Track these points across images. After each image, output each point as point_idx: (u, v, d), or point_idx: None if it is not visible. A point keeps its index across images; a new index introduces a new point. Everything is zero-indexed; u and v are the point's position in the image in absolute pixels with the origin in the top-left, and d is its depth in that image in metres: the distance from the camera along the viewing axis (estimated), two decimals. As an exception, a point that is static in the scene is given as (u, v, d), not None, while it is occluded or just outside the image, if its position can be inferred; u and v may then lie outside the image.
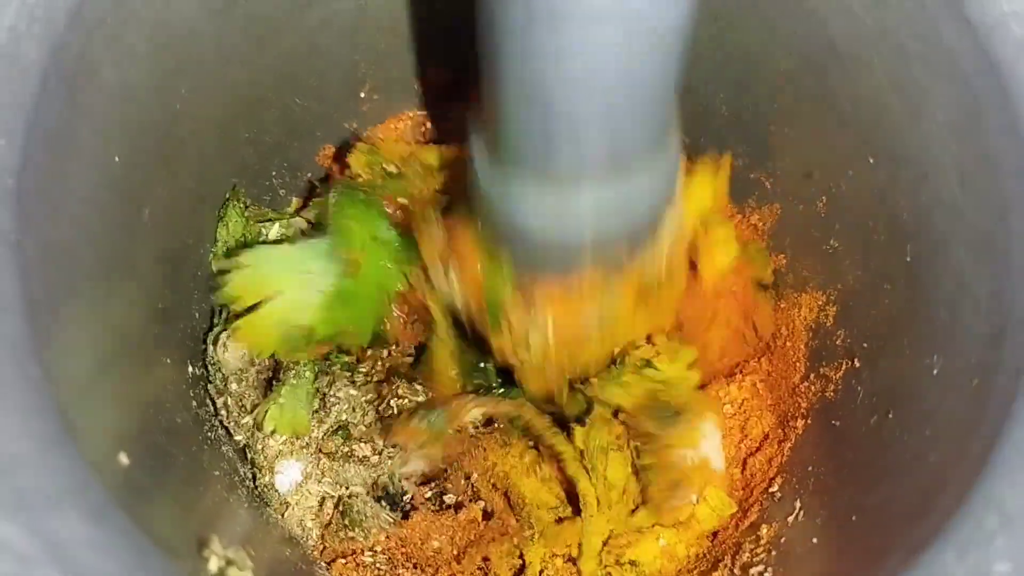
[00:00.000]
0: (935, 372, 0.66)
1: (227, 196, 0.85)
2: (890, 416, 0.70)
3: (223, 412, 0.81)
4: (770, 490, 0.81)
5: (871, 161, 0.76)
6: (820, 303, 0.83)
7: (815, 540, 0.70)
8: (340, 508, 0.80)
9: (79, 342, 0.60)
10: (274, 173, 0.91)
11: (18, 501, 0.47)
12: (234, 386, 0.82)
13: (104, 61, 0.65)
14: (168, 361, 0.74)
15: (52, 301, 0.58)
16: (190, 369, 0.79)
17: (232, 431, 0.81)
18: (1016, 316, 0.59)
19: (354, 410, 0.83)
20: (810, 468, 0.77)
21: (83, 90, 0.63)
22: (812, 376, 0.83)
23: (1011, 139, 0.62)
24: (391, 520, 0.81)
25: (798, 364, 0.86)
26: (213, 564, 0.57)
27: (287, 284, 0.81)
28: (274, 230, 0.87)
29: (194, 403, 0.77)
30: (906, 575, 0.51)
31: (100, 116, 0.66)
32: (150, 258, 0.73)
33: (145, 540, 0.51)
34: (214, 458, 0.77)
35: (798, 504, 0.75)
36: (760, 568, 0.73)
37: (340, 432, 0.82)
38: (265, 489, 0.80)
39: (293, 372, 0.81)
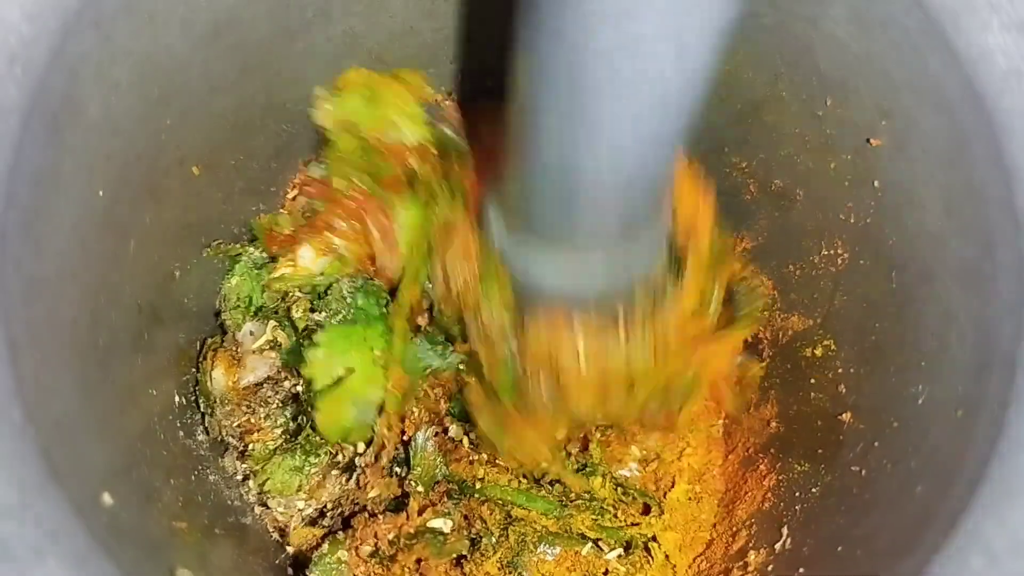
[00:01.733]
0: (920, 401, 0.66)
1: (233, 254, 0.86)
2: (876, 445, 0.70)
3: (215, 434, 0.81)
4: (760, 510, 0.81)
5: (856, 186, 0.76)
6: (807, 326, 0.83)
7: (801, 570, 0.70)
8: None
9: (62, 380, 0.60)
10: (260, 200, 0.91)
11: (2, 551, 0.47)
12: (224, 410, 0.83)
13: (90, 97, 0.65)
14: (153, 392, 0.74)
15: (34, 340, 0.58)
16: (176, 398, 0.78)
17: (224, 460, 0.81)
18: (1001, 350, 0.59)
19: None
20: (798, 494, 0.77)
21: (67, 128, 0.63)
22: (798, 400, 0.83)
23: (996, 170, 0.62)
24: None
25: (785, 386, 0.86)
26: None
27: (358, 362, 0.82)
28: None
29: (181, 433, 0.76)
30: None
31: (84, 152, 0.65)
32: (136, 288, 0.73)
33: (128, 584, 0.50)
34: (200, 487, 0.77)
35: (785, 531, 0.75)
36: (747, 597, 0.73)
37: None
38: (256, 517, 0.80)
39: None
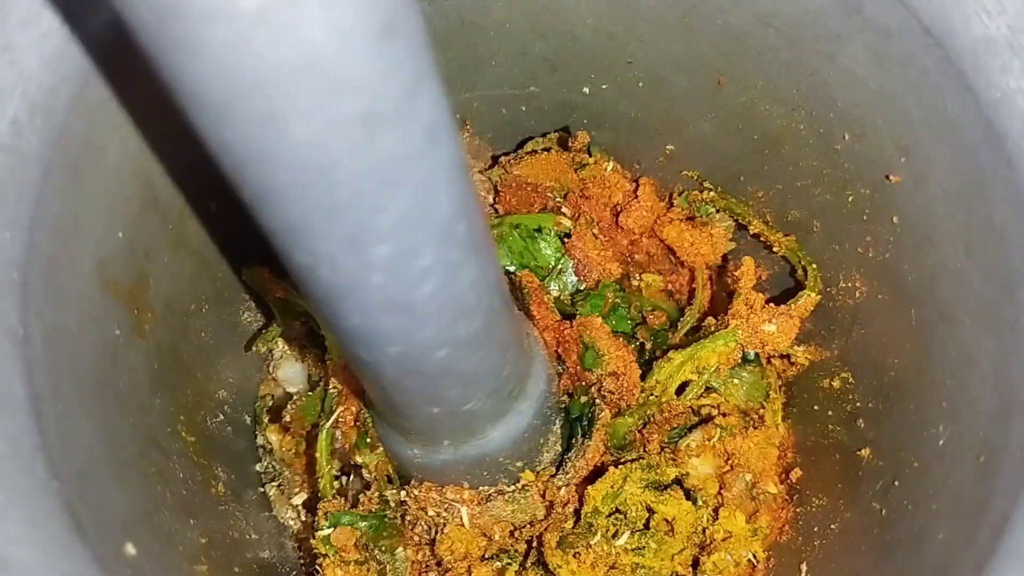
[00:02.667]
0: (941, 443, 0.66)
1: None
2: (896, 484, 0.70)
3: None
4: (778, 542, 0.81)
5: (874, 220, 0.76)
6: (824, 358, 0.83)
7: (823, 613, 0.70)
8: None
9: (83, 429, 0.60)
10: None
11: (27, 613, 0.47)
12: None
13: (109, 142, 0.65)
14: (172, 432, 0.74)
15: (57, 392, 0.58)
16: (195, 437, 0.79)
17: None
18: (1024, 395, 0.59)
19: None
20: (816, 529, 0.77)
21: (88, 174, 0.64)
22: (815, 431, 0.83)
23: (1017, 212, 0.62)
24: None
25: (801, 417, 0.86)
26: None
27: None
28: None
29: (199, 475, 0.77)
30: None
31: (104, 195, 0.66)
32: (155, 328, 0.73)
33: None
34: (220, 525, 0.77)
35: (804, 568, 0.75)
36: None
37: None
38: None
39: None
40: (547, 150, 0.94)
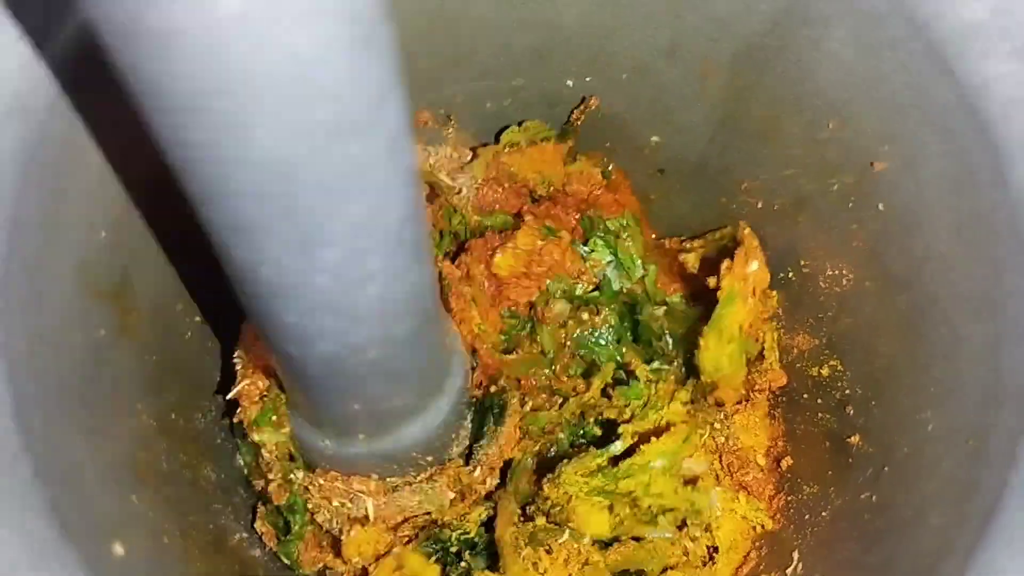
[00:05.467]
0: (930, 428, 0.66)
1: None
2: (886, 470, 0.70)
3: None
4: (770, 531, 0.81)
5: (860, 208, 0.75)
6: (813, 346, 0.83)
7: (815, 599, 0.70)
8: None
9: (68, 430, 0.60)
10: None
11: (15, 618, 0.47)
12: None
13: (91, 142, 0.64)
14: (157, 432, 0.73)
15: (41, 393, 0.58)
16: (199, 416, 0.80)
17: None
18: (1013, 380, 0.59)
19: None
20: (807, 517, 0.77)
21: (69, 175, 0.63)
22: (804, 419, 0.83)
23: (1003, 197, 0.62)
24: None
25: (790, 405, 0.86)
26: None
27: None
28: None
29: (187, 474, 0.76)
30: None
31: (86, 196, 0.65)
32: (140, 330, 0.72)
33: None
34: (208, 523, 0.77)
35: (796, 556, 0.75)
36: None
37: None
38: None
39: None
40: (546, 140, 0.93)
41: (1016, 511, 0.54)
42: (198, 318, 0.83)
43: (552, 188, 0.93)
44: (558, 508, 0.76)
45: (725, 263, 0.80)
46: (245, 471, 0.84)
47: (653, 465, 0.76)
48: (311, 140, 0.41)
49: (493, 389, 0.81)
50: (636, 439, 0.77)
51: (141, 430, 0.70)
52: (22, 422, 0.54)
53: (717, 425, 0.82)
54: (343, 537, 0.77)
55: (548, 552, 0.75)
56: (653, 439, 0.77)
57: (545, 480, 0.77)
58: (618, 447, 0.77)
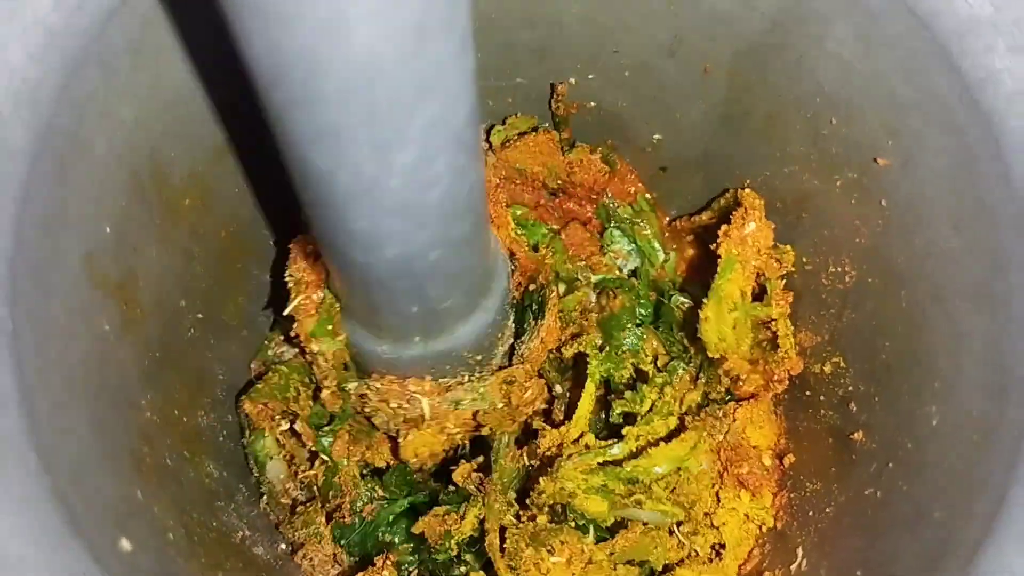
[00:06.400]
0: (934, 423, 0.66)
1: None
2: (890, 466, 0.70)
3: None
4: (773, 528, 0.81)
5: (863, 204, 0.76)
6: (816, 343, 0.83)
7: (820, 594, 0.70)
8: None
9: (74, 422, 0.60)
10: (264, 224, 0.90)
11: (22, 606, 0.47)
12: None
13: (95, 134, 0.64)
14: (161, 427, 0.73)
15: (47, 386, 0.57)
16: (200, 414, 0.80)
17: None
18: (1018, 374, 0.59)
19: None
20: (811, 513, 0.77)
21: (75, 166, 0.63)
22: (807, 416, 0.83)
23: (1006, 191, 0.62)
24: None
25: (793, 402, 0.86)
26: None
27: None
28: None
29: (191, 471, 0.76)
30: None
31: (90, 188, 0.65)
32: (144, 322, 0.72)
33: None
34: (212, 519, 0.76)
35: (800, 552, 0.75)
36: (764, 616, 0.73)
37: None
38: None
39: None
40: (534, 130, 0.94)
41: (1023, 506, 0.54)
42: (200, 315, 0.83)
43: (559, 180, 0.94)
44: (556, 500, 0.76)
45: (723, 228, 0.80)
46: (251, 464, 0.85)
47: (657, 470, 0.76)
48: (399, 40, 0.44)
49: (531, 288, 0.83)
50: (640, 442, 0.78)
51: (144, 425, 0.70)
52: (29, 414, 0.54)
53: (718, 424, 0.81)
54: (400, 440, 0.80)
55: (550, 552, 0.74)
56: (661, 443, 0.77)
57: (543, 475, 0.77)
58: (619, 450, 0.77)
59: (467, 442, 0.86)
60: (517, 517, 0.78)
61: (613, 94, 0.90)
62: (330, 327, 0.78)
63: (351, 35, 0.42)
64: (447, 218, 0.59)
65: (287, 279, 0.79)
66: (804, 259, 0.84)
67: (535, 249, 0.93)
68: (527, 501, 0.78)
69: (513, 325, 0.82)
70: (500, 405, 0.80)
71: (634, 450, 0.78)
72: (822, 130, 0.77)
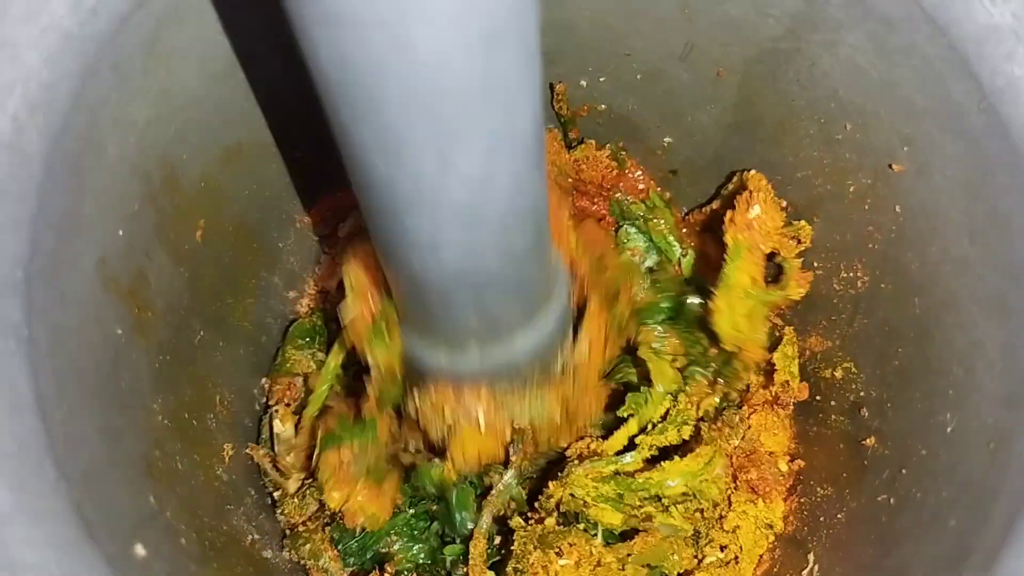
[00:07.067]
0: (949, 430, 0.66)
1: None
2: (903, 472, 0.70)
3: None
4: (784, 533, 0.81)
5: (876, 210, 0.76)
6: (826, 347, 0.83)
7: (833, 601, 0.70)
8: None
9: (87, 429, 0.60)
10: (273, 227, 0.90)
11: (44, 615, 0.47)
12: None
13: (108, 138, 0.64)
14: (172, 432, 0.73)
15: (62, 392, 0.57)
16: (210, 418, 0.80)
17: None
18: (1035, 382, 0.59)
19: None
20: (822, 519, 0.77)
21: (88, 170, 0.63)
22: (817, 421, 0.83)
23: (1020, 198, 0.62)
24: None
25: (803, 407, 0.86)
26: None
27: None
28: None
29: (201, 475, 0.76)
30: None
31: (104, 192, 0.65)
32: (157, 328, 0.72)
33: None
34: (222, 523, 0.76)
35: (812, 558, 0.75)
36: (779, 625, 0.73)
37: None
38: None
39: None
40: None
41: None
42: (209, 318, 0.82)
43: (569, 179, 0.94)
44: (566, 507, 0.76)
45: (728, 214, 0.79)
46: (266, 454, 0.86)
47: (670, 484, 0.75)
48: (468, 48, 0.44)
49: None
50: (653, 452, 0.78)
51: (156, 430, 0.70)
52: (44, 420, 0.54)
53: (733, 431, 0.81)
54: (449, 437, 0.78)
55: (559, 554, 0.74)
56: (676, 457, 0.77)
57: (554, 479, 0.77)
58: (631, 460, 0.77)
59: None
60: (525, 519, 0.78)
61: (624, 97, 0.90)
62: (386, 335, 0.77)
63: (419, 43, 0.42)
64: (509, 229, 0.58)
65: (342, 281, 0.79)
66: (816, 264, 0.84)
67: None
68: (535, 504, 0.78)
69: (572, 339, 0.81)
70: (557, 419, 0.79)
71: (647, 458, 0.78)
72: (836, 135, 0.77)
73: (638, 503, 0.76)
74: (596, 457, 0.77)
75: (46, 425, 0.54)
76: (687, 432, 0.80)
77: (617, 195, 0.96)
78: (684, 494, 0.77)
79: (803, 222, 0.82)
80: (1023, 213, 0.62)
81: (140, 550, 0.57)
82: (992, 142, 0.64)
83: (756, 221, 0.78)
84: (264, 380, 0.91)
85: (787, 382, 0.82)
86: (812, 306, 0.85)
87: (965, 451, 0.63)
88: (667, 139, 0.92)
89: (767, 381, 0.84)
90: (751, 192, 0.79)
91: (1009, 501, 0.56)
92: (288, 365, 0.91)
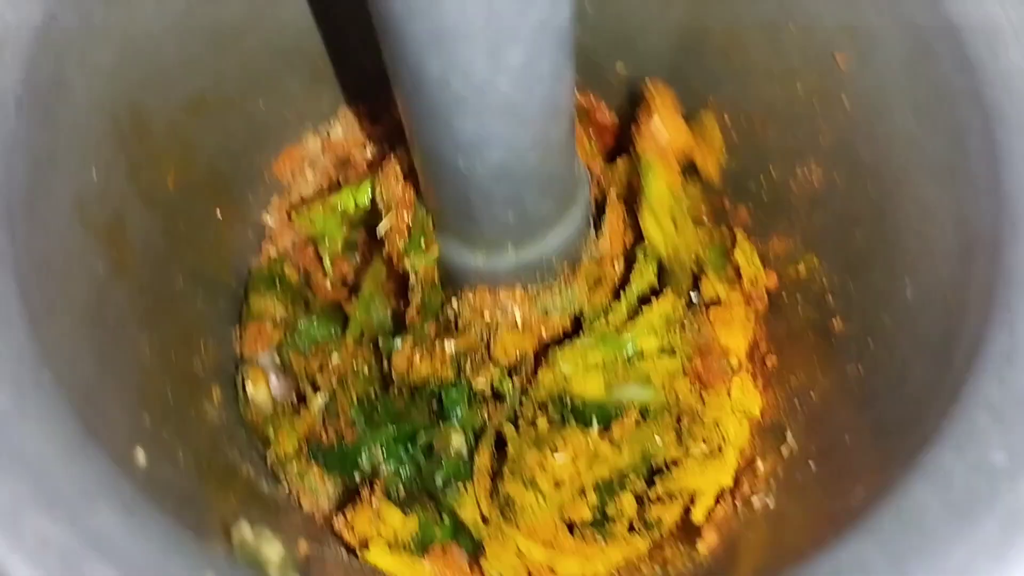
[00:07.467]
0: (908, 295, 0.69)
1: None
2: (869, 342, 0.72)
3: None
4: (760, 426, 0.84)
5: (825, 105, 0.78)
6: (788, 247, 0.86)
7: (813, 465, 0.72)
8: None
9: (81, 351, 0.61)
10: (243, 179, 0.92)
11: (54, 500, 0.48)
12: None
13: (75, 81, 0.66)
14: (160, 366, 0.75)
15: (52, 315, 0.59)
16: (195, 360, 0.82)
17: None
18: (983, 232, 0.61)
19: None
20: (797, 403, 0.80)
21: (57, 109, 0.64)
22: (786, 318, 0.86)
23: (960, 66, 0.65)
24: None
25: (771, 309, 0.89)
26: (242, 541, 0.58)
27: None
28: None
29: (191, 411, 0.77)
30: (912, 474, 0.53)
31: (75, 133, 0.67)
32: (137, 269, 0.74)
33: (176, 526, 0.52)
34: (218, 457, 0.78)
35: (790, 436, 0.78)
36: (761, 496, 0.76)
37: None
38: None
39: None
40: None
41: (998, 345, 0.57)
42: (186, 268, 0.84)
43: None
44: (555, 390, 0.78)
45: (633, 128, 0.84)
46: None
47: (647, 337, 0.78)
48: None
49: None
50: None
51: (144, 362, 0.71)
52: (39, 335, 0.55)
53: (687, 322, 0.84)
54: (492, 341, 0.82)
55: (554, 451, 0.77)
56: (644, 308, 0.80)
57: (540, 368, 0.79)
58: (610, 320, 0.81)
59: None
60: (516, 427, 0.80)
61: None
62: (423, 243, 0.81)
63: None
64: (547, 119, 0.63)
65: (376, 199, 0.83)
66: (771, 168, 0.87)
67: None
68: (523, 398, 0.80)
69: (594, 233, 0.86)
70: (587, 299, 0.84)
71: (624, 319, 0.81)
72: (781, 37, 0.80)
73: (620, 368, 0.79)
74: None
75: (40, 340, 0.55)
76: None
77: None
78: (661, 349, 0.79)
79: (708, 122, 0.87)
80: (961, 78, 0.65)
81: (141, 456, 0.58)
82: (925, 16, 0.67)
83: (657, 133, 0.82)
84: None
85: (755, 276, 0.85)
86: (771, 211, 0.88)
87: (924, 310, 0.66)
88: (619, 64, 0.94)
89: (736, 279, 0.87)
90: (648, 103, 0.83)
91: (968, 341, 0.59)
92: (253, 311, 0.92)
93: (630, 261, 0.87)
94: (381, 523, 0.80)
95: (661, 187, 0.82)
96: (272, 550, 0.59)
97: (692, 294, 0.88)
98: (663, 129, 0.82)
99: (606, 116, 0.98)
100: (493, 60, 0.55)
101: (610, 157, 0.95)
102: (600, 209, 0.86)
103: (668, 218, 0.83)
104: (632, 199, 0.88)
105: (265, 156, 0.94)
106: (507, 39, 0.53)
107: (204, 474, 0.71)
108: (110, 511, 0.49)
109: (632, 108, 0.95)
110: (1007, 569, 0.50)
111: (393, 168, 0.82)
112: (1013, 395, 0.54)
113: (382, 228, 0.82)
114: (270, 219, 0.95)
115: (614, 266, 0.86)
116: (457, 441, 0.81)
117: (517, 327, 0.82)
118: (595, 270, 0.84)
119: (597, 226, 0.86)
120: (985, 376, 0.56)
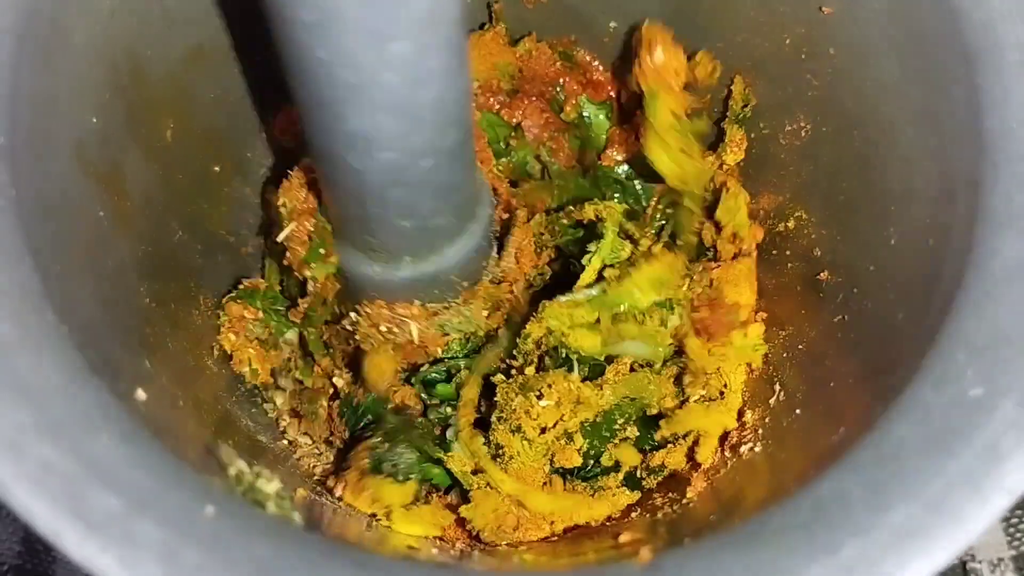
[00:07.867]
0: (893, 242, 0.70)
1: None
2: (855, 291, 0.74)
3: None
4: (748, 379, 0.85)
5: (812, 57, 0.79)
6: (778, 202, 0.87)
7: (798, 411, 0.74)
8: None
9: (83, 292, 0.62)
10: (241, 135, 0.93)
11: (57, 427, 0.49)
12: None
13: (76, 25, 0.67)
14: (160, 315, 0.76)
15: (54, 254, 0.60)
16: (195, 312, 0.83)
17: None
18: (963, 175, 0.63)
19: None
20: (786, 355, 0.82)
21: (57, 54, 0.65)
22: (775, 273, 0.87)
23: (942, 13, 0.66)
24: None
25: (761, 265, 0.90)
26: (240, 475, 0.60)
27: None
28: None
29: (191, 360, 0.79)
30: (892, 411, 0.55)
31: (75, 78, 0.67)
32: (136, 218, 0.75)
33: (176, 458, 0.53)
34: (217, 407, 0.79)
35: (778, 387, 0.79)
36: (749, 445, 0.77)
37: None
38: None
39: None
40: (481, 27, 0.97)
41: (975, 286, 0.58)
42: (185, 220, 0.85)
43: (513, 80, 0.97)
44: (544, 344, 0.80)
45: (635, 65, 0.84)
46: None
47: (639, 295, 0.79)
48: None
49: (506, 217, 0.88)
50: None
51: (145, 309, 0.73)
52: (41, 272, 0.56)
53: (694, 279, 0.85)
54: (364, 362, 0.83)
55: (539, 397, 0.78)
56: (643, 264, 0.81)
57: (529, 322, 0.81)
58: (598, 289, 0.81)
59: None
60: (507, 375, 0.82)
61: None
62: (323, 251, 0.81)
63: None
64: (439, 123, 0.63)
65: (280, 207, 0.83)
66: (761, 124, 0.88)
67: (506, 145, 0.97)
68: (514, 351, 0.82)
69: (497, 255, 0.86)
70: (483, 327, 0.85)
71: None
72: (769, -11, 0.81)
73: (613, 323, 0.80)
74: (569, 292, 0.81)
75: (42, 277, 0.56)
76: (645, 245, 0.84)
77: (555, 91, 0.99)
78: (656, 303, 0.81)
79: (701, 55, 0.88)
80: (943, 25, 0.66)
81: (141, 393, 0.59)
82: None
83: (661, 67, 0.83)
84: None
85: (734, 234, 0.86)
86: (761, 166, 0.89)
87: (907, 255, 0.67)
88: (612, 24, 0.95)
89: (719, 235, 0.88)
90: (649, 41, 0.84)
91: (947, 282, 0.60)
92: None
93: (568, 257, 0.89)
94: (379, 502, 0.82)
95: (667, 115, 0.82)
96: (269, 486, 0.60)
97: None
98: (663, 56, 0.82)
99: (601, 73, 0.99)
100: (377, 52, 0.55)
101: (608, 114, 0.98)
102: (505, 230, 0.86)
103: (675, 145, 0.83)
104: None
105: (263, 114, 0.95)
106: (387, 28, 0.54)
107: (204, 421, 0.72)
108: (111, 440, 0.50)
109: (625, 64, 0.96)
110: (984, 498, 0.52)
111: (297, 175, 0.82)
112: (990, 332, 0.55)
113: (283, 236, 0.81)
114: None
115: (512, 289, 0.86)
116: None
117: (413, 342, 0.83)
118: (495, 292, 0.84)
119: (500, 247, 0.86)
120: (963, 315, 0.57)
